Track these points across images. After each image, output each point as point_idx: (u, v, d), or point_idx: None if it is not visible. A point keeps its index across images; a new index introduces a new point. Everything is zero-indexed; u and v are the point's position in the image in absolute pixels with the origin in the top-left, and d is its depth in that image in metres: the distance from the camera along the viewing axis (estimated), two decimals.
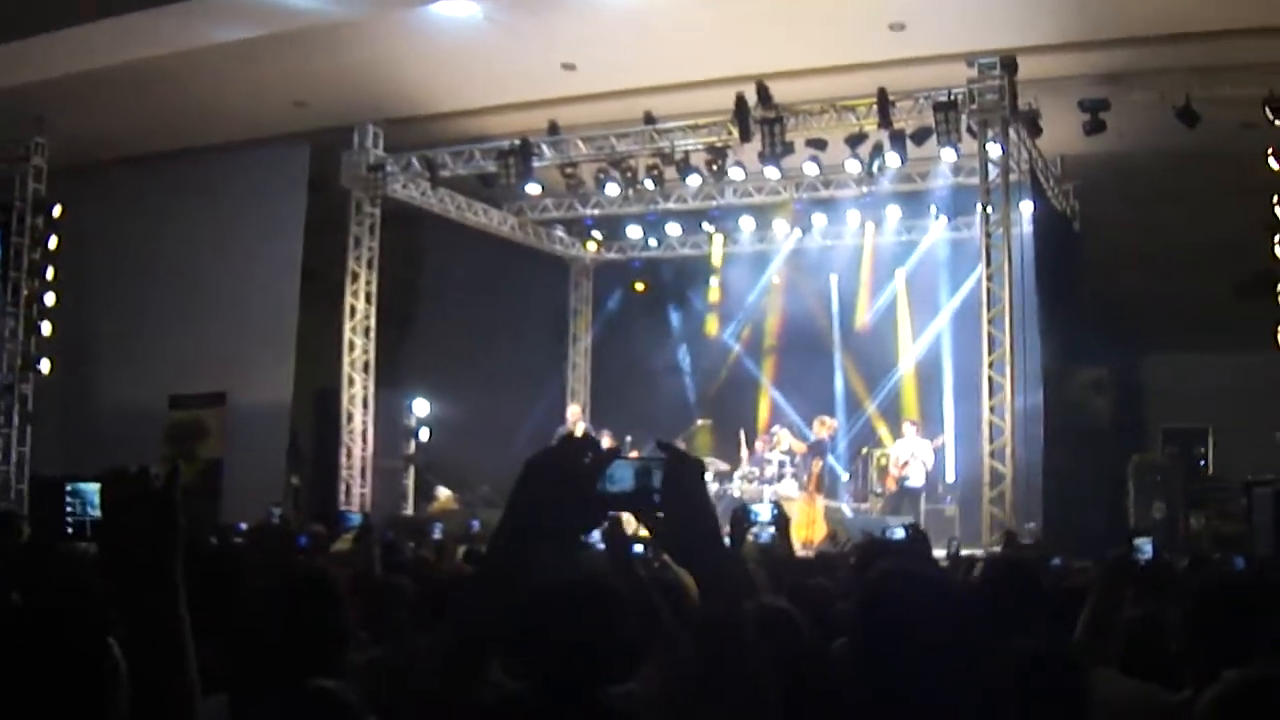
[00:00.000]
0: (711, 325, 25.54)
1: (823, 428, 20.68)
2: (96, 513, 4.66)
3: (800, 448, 20.37)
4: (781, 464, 20.25)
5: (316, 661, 3.17)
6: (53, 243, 20.51)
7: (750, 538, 6.75)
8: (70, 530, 4.78)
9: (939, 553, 11.82)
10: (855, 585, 3.63)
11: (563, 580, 3.50)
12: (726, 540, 6.22)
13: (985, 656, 3.33)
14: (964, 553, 13.49)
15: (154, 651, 2.44)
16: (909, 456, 19.92)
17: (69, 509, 4.81)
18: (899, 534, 8.16)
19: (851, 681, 3.15)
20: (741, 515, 6.17)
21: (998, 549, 14.58)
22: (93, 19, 16.81)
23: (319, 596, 3.32)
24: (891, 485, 20.11)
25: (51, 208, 20.50)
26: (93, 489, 4.83)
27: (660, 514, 2.19)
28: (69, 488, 4.85)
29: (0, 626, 2.66)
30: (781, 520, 6.88)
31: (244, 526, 12.08)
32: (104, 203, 21.42)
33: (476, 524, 15.64)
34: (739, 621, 2.16)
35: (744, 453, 21.09)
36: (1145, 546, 5.76)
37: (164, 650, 2.44)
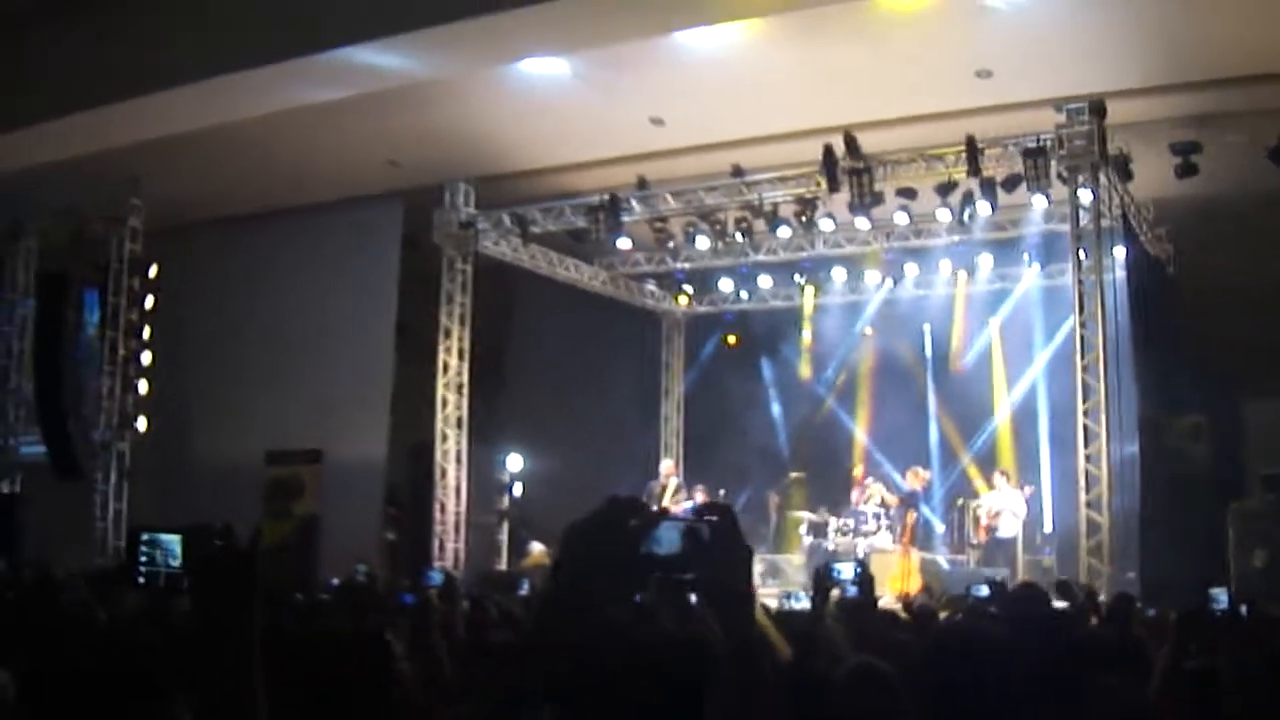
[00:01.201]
0: (804, 377, 25.42)
1: (915, 479, 20.46)
2: (176, 564, 4.70)
3: (893, 500, 20.21)
4: (876, 516, 20.08)
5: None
6: (149, 302, 20.89)
7: (834, 594, 6.72)
8: (142, 579, 4.82)
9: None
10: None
11: (634, 640, 3.46)
12: (807, 598, 6.21)
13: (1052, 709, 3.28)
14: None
15: (226, 707, 2.46)
16: (1000, 507, 19.62)
17: (143, 558, 4.85)
18: (983, 591, 8.04)
19: None
20: (824, 573, 6.19)
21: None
22: (187, 82, 17.10)
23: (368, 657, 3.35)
24: (984, 537, 19.83)
25: (147, 268, 20.90)
26: (173, 540, 4.88)
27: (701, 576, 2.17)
28: (145, 537, 4.89)
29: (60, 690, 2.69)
30: (865, 578, 6.85)
31: (335, 583, 12.14)
32: (200, 262, 21.86)
33: None
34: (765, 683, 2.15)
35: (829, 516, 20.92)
36: (1220, 597, 5.65)
37: (234, 706, 2.46)
